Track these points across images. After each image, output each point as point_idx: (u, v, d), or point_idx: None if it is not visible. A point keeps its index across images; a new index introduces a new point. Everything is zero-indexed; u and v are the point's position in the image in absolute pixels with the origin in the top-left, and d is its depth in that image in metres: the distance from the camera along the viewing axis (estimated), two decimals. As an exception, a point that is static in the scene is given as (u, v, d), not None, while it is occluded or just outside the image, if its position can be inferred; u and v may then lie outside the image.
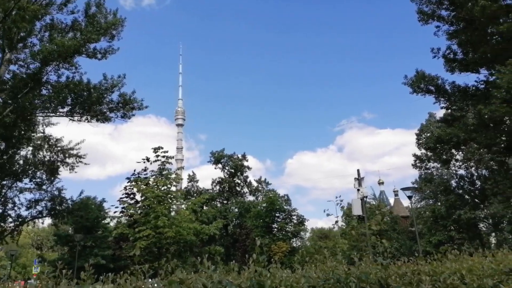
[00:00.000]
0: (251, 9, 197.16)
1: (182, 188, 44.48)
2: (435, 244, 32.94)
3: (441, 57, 24.82)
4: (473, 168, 36.10)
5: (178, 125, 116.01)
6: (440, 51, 24.72)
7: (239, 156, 45.25)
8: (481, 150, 27.87)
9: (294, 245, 40.74)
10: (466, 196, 36.09)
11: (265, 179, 47.25)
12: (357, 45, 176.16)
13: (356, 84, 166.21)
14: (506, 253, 4.43)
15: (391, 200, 53.16)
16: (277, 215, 39.72)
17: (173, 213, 20.70)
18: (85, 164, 31.47)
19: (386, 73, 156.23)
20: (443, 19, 23.94)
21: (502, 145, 24.79)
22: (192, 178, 45.60)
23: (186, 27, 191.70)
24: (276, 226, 39.53)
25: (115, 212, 20.04)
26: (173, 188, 20.31)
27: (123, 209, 19.61)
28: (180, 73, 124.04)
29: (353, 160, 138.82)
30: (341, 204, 15.01)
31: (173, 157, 21.87)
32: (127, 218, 19.78)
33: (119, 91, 23.33)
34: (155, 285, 2.89)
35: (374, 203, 42.36)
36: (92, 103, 23.29)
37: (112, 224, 30.49)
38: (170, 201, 19.10)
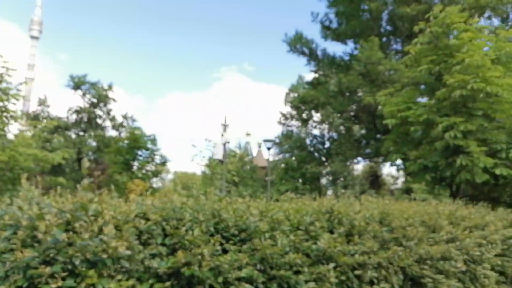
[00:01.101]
0: None
1: (30, 111, 38.60)
2: (282, 192, 36.59)
3: (319, 22, 26.26)
4: (326, 130, 40.73)
5: (32, 37, 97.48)
6: (319, 16, 26.08)
7: (104, 86, 41.05)
8: (334, 114, 31.32)
9: (155, 185, 40.16)
10: (316, 154, 40.83)
11: (132, 116, 44.16)
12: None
13: (241, 33, 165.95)
14: (329, 199, 5.01)
15: (255, 152, 56.69)
16: (139, 153, 38.14)
17: (11, 136, 17.65)
18: None
19: (273, 27, 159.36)
20: (327, -15, 25.05)
21: (352, 113, 28.32)
22: (42, 102, 39.65)
23: None
24: (137, 164, 38.09)
25: None
26: (12, 107, 17.07)
27: None
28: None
29: (227, 109, 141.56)
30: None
31: (15, 70, 18.13)
32: None
33: None
34: None
35: (238, 152, 44.61)
36: None
37: None
38: (6, 120, 16.07)
